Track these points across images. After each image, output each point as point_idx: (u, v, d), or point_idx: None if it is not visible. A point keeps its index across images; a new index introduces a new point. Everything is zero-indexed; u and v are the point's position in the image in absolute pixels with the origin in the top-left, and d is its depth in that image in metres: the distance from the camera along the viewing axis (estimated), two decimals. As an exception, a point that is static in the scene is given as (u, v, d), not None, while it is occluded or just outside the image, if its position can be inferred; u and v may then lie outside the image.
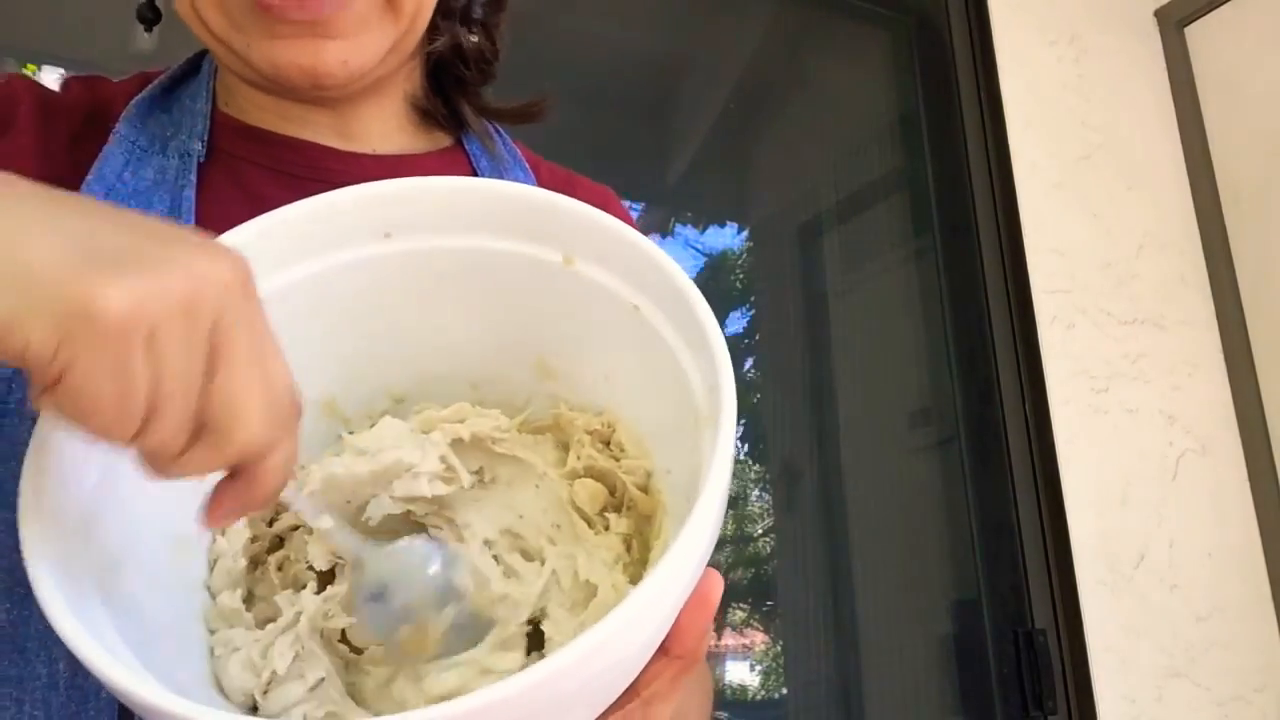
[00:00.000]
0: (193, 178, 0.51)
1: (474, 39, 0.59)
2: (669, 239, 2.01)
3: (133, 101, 0.54)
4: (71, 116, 0.53)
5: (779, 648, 1.73)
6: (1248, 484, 1.77)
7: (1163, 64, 1.99)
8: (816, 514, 1.69)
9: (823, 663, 1.60)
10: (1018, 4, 1.86)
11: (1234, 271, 1.85)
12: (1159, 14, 2.01)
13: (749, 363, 1.96)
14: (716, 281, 2.04)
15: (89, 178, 0.50)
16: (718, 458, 0.36)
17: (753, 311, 2.01)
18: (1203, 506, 1.72)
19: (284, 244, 0.42)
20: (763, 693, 1.74)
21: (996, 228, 1.74)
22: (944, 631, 1.63)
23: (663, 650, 0.38)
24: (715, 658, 1.65)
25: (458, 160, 0.60)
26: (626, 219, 0.64)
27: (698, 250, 2.01)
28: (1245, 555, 1.73)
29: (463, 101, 0.60)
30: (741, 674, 1.77)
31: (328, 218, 0.42)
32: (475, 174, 0.59)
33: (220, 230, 0.43)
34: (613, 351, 0.44)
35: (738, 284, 2.08)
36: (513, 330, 0.46)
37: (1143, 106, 1.95)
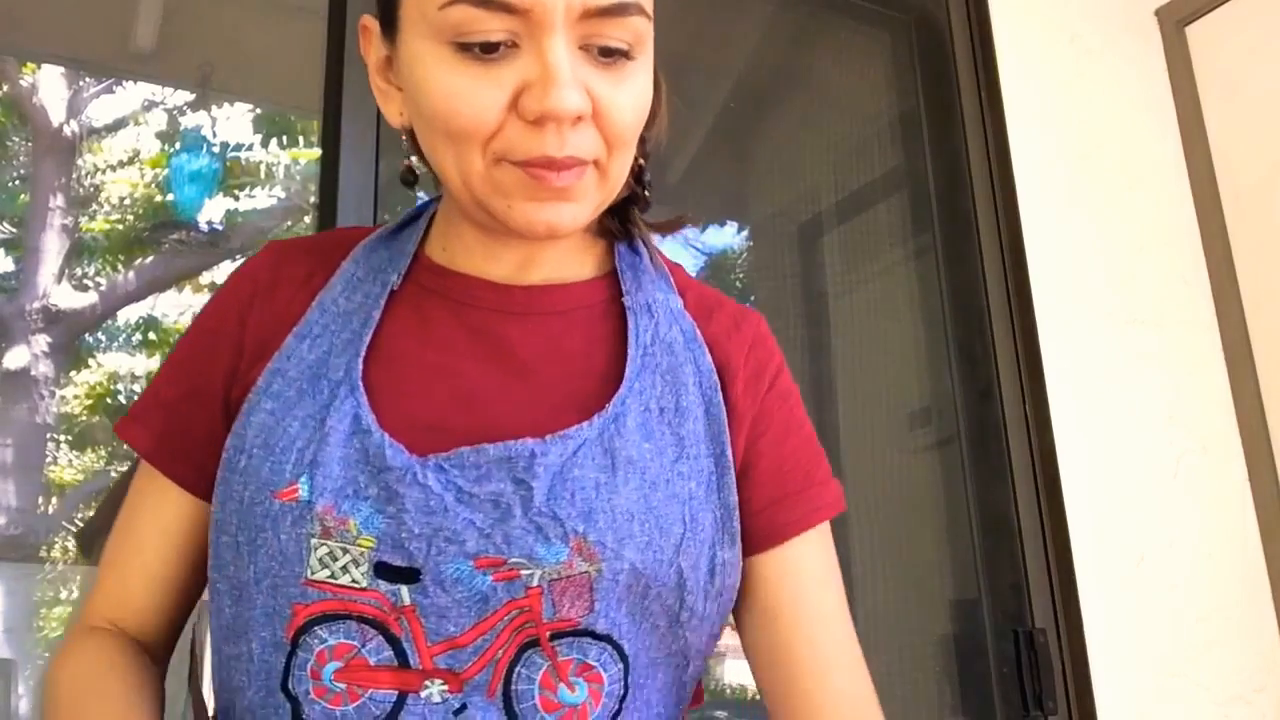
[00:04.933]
0: (382, 303, 0.67)
1: (639, 189, 0.73)
2: (669, 239, 2.01)
3: (361, 243, 0.72)
4: (311, 258, 0.71)
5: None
6: (1248, 484, 1.77)
7: (1163, 64, 1.99)
8: (816, 514, 1.69)
9: (823, 663, 1.60)
10: (1018, 4, 1.86)
11: (1234, 271, 1.84)
12: (1159, 14, 2.01)
13: (749, 363, 1.96)
14: (716, 281, 2.04)
15: (314, 302, 0.68)
16: None
17: (753, 311, 2.01)
18: (1203, 506, 1.72)
19: None
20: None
21: (996, 227, 1.74)
22: (944, 631, 1.63)
23: None
24: (716, 657, 1.65)
25: (601, 287, 0.72)
26: (764, 344, 0.73)
27: (698, 250, 2.01)
28: (1245, 555, 1.73)
29: (630, 222, 0.75)
30: (741, 674, 1.76)
31: None
32: (620, 296, 0.71)
33: (393, 337, 0.66)
34: None
35: (738, 284, 2.08)
36: None
37: (1143, 106, 1.95)
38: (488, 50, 0.58)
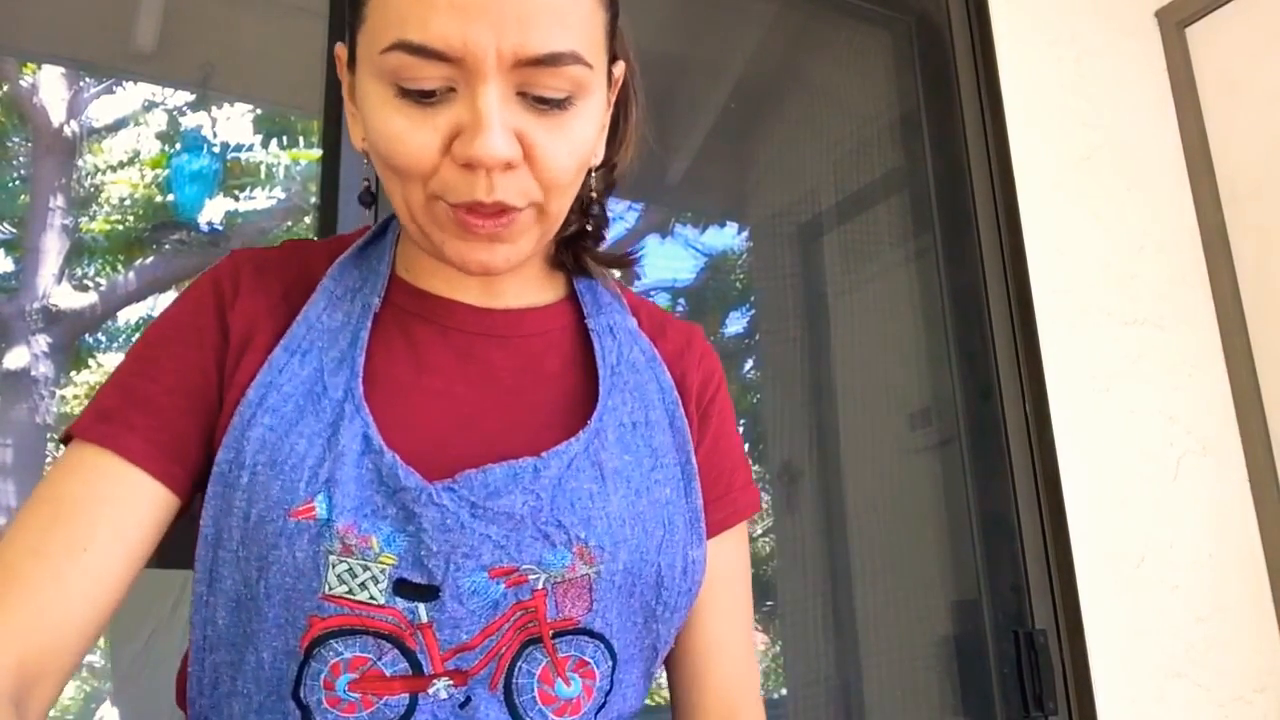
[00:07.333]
0: (368, 323, 0.68)
1: (589, 226, 0.76)
2: (669, 239, 2.00)
3: (337, 261, 0.72)
4: (285, 274, 0.72)
5: (778, 648, 1.73)
6: (1248, 484, 1.77)
7: (1163, 64, 1.99)
8: (816, 514, 1.69)
9: (823, 663, 1.60)
10: (1018, 4, 1.86)
11: (1234, 271, 1.85)
12: (1159, 14, 2.01)
13: (749, 363, 1.96)
14: (716, 281, 2.04)
15: (299, 317, 0.68)
16: None
17: (753, 311, 2.00)
18: (1203, 506, 1.72)
19: None
20: (762, 693, 1.74)
21: (996, 228, 1.74)
22: (944, 631, 1.63)
23: None
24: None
25: (567, 310, 0.76)
26: (710, 356, 0.80)
27: (698, 250, 2.01)
28: (1245, 555, 1.73)
29: (583, 256, 0.78)
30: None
31: None
32: (583, 318, 0.76)
33: (384, 359, 0.67)
34: None
35: (738, 284, 2.08)
36: None
37: (1143, 106, 1.95)
38: (425, 95, 0.59)
